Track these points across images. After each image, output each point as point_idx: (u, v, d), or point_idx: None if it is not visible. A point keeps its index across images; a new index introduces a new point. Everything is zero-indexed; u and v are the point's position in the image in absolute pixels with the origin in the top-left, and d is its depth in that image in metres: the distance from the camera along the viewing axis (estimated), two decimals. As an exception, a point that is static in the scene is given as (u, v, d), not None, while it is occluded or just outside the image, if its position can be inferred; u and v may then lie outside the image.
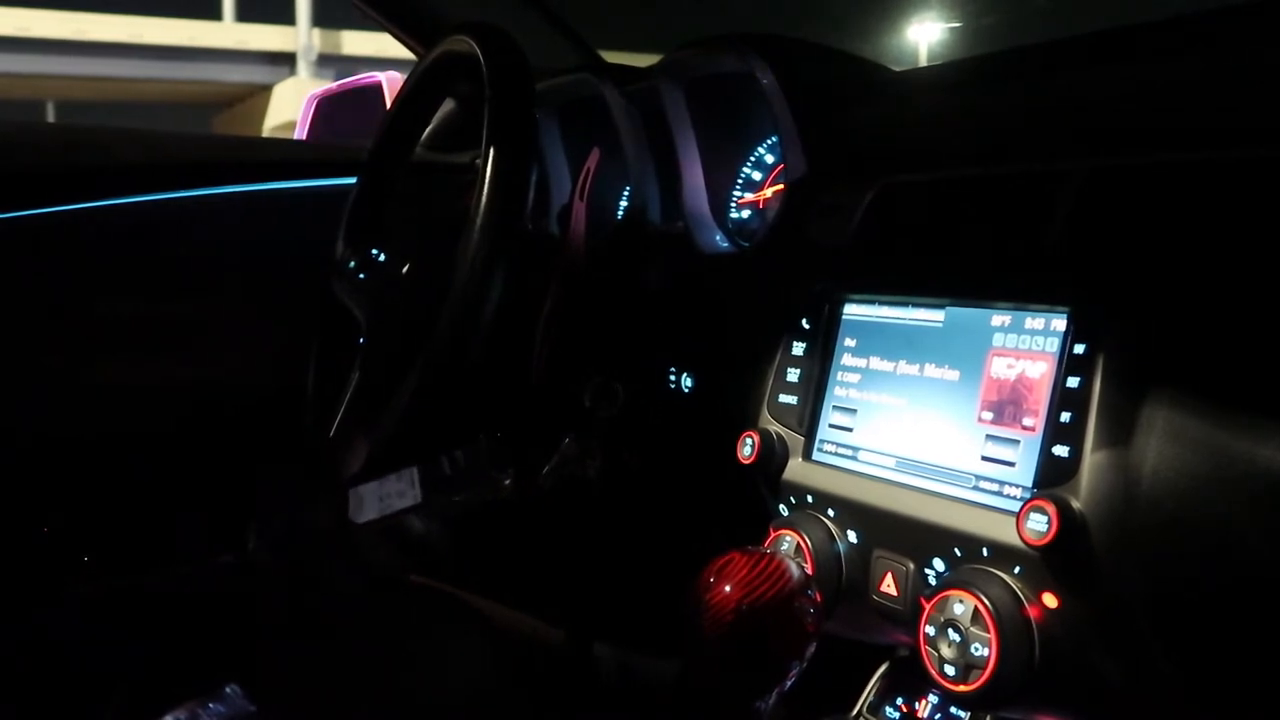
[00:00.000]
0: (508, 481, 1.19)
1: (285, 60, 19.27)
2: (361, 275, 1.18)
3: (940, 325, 0.87)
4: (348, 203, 1.26)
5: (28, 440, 1.30)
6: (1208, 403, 0.69)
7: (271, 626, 1.01)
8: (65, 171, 1.34)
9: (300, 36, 18.68)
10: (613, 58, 1.58)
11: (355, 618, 1.00)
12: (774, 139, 1.22)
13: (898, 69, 1.22)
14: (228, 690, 0.96)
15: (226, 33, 19.29)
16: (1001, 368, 0.81)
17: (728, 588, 0.76)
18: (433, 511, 1.18)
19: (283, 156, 1.63)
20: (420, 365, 0.99)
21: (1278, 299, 0.69)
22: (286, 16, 18.72)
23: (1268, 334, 0.69)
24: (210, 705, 0.95)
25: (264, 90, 19.67)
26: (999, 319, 0.83)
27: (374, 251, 1.17)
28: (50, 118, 16.42)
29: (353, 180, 1.28)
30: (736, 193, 1.25)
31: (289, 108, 15.98)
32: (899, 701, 1.03)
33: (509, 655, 1.07)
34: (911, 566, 0.84)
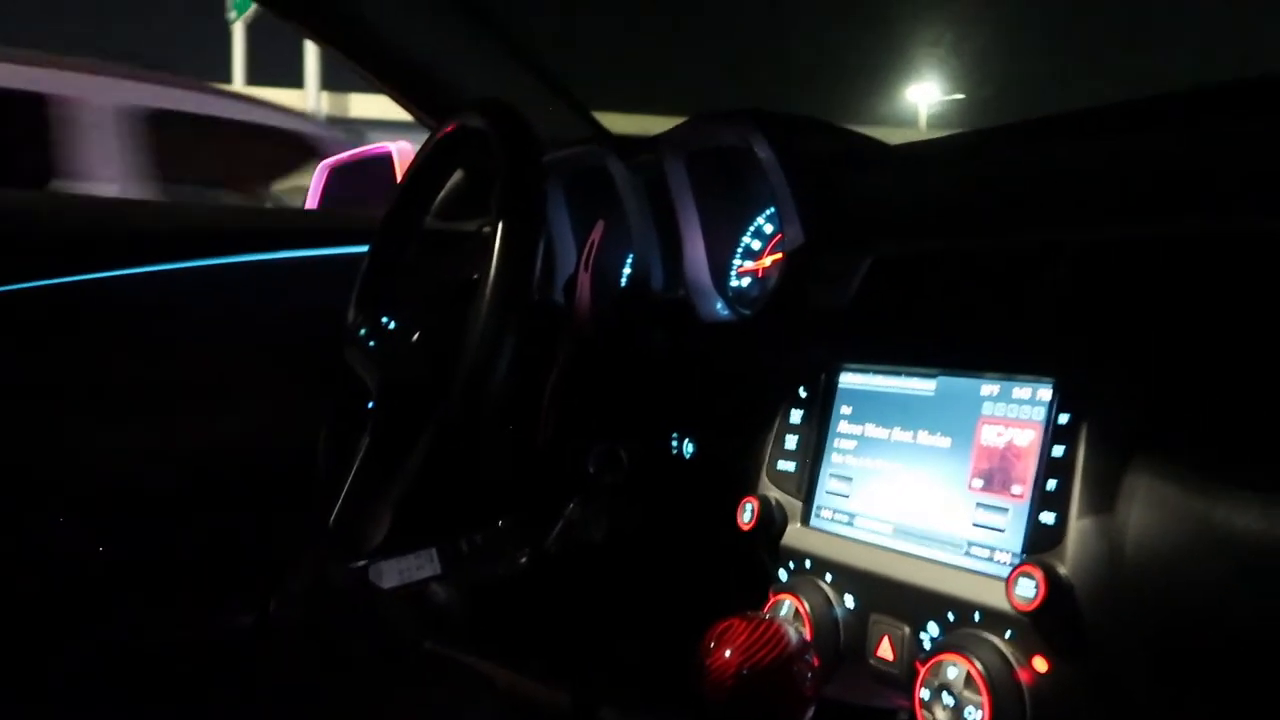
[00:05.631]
0: (524, 560, 1.20)
1: (294, 122, 19.44)
2: (372, 343, 1.20)
3: (932, 394, 0.90)
4: (359, 271, 1.29)
5: (42, 503, 1.32)
6: (1187, 472, 0.71)
7: (284, 689, 1.02)
8: (79, 240, 1.37)
9: (309, 100, 18.89)
10: (612, 120, 1.62)
11: (368, 683, 1.01)
12: (772, 209, 1.25)
13: (894, 143, 1.25)
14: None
15: (237, 95, 19.48)
16: (991, 435, 0.84)
17: (728, 653, 0.78)
18: (451, 581, 1.19)
19: (295, 225, 1.66)
20: (432, 431, 1.01)
21: (1253, 370, 0.72)
22: (295, 80, 18.97)
23: (1245, 405, 0.71)
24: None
25: (273, 151, 19.83)
26: (988, 388, 0.85)
27: (384, 319, 1.20)
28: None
29: (363, 248, 1.30)
30: (737, 261, 1.27)
31: (298, 168, 16.10)
32: (897, 764, 1.04)
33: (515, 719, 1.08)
34: (907, 631, 0.86)
